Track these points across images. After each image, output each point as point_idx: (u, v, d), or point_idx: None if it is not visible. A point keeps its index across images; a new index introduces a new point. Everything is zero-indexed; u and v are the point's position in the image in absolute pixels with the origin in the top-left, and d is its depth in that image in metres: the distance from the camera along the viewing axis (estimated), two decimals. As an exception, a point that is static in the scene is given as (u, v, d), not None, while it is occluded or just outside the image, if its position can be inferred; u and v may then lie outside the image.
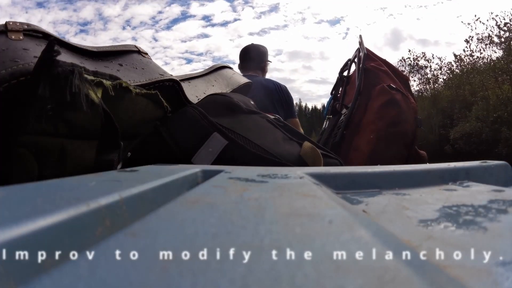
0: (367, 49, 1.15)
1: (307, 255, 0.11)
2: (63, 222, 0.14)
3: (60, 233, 0.14)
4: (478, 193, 0.27)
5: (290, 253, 0.11)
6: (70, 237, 0.15)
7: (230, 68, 1.05)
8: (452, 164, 0.34)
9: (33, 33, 0.50)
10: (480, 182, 0.31)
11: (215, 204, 0.18)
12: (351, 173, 0.31)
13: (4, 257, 0.11)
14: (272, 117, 0.70)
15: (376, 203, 0.24)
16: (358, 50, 1.19)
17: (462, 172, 0.33)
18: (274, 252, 0.11)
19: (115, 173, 0.30)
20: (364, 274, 0.09)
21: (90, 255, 0.11)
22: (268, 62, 1.80)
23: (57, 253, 0.13)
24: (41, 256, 0.13)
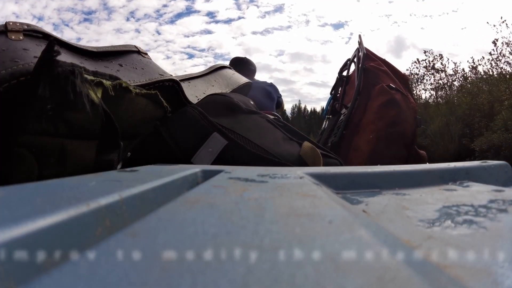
0: (367, 49, 1.15)
1: (307, 255, 0.11)
2: (63, 222, 0.14)
3: (60, 233, 0.14)
4: (478, 193, 0.27)
5: (290, 253, 0.11)
6: (70, 237, 0.15)
7: (230, 68, 1.05)
8: (452, 164, 0.34)
9: (33, 33, 0.50)
10: (480, 182, 0.31)
11: (215, 204, 0.18)
12: (351, 173, 0.31)
13: (4, 257, 0.11)
14: (272, 117, 0.70)
15: (376, 203, 0.24)
16: (358, 50, 1.19)
17: (462, 172, 0.33)
18: (274, 252, 0.11)
19: (115, 173, 0.30)
20: (364, 274, 0.09)
21: (90, 255, 0.11)
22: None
23: (57, 253, 0.13)
24: (41, 256, 0.13)
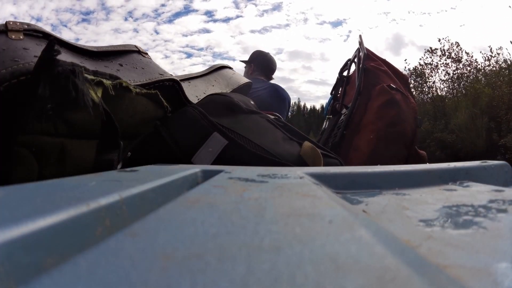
0: (367, 49, 1.15)
1: (307, 255, 0.11)
2: (63, 222, 0.14)
3: (60, 233, 0.14)
4: (478, 193, 0.27)
5: (290, 253, 0.11)
6: (70, 237, 0.15)
7: (230, 68, 1.05)
8: (452, 164, 0.34)
9: (33, 32, 0.50)
10: (480, 182, 0.31)
11: (215, 204, 0.18)
12: (351, 173, 0.31)
13: (4, 257, 0.11)
14: (272, 117, 0.70)
15: (376, 203, 0.24)
16: (358, 50, 1.19)
17: (462, 172, 0.33)
18: (274, 252, 0.11)
19: (115, 173, 0.30)
20: (364, 274, 0.09)
21: (90, 255, 0.11)
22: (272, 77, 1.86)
23: (57, 253, 0.13)
24: (41, 256, 0.13)
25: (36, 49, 0.47)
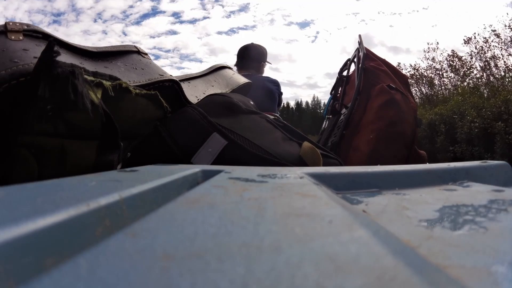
0: (367, 49, 1.15)
1: (307, 255, 0.11)
2: (63, 222, 0.14)
3: (60, 233, 0.14)
4: (478, 193, 0.27)
5: (290, 253, 0.11)
6: (70, 237, 0.15)
7: (230, 68, 1.05)
8: (452, 164, 0.34)
9: (32, 33, 0.50)
10: (480, 182, 0.31)
11: (215, 204, 0.18)
12: (351, 173, 0.31)
13: (4, 257, 0.11)
14: (271, 117, 0.70)
15: (376, 203, 0.24)
16: (358, 50, 1.19)
17: (462, 172, 0.33)
18: (274, 252, 0.11)
19: (115, 173, 0.30)
20: (364, 274, 0.09)
21: (90, 255, 0.11)
22: (267, 63, 1.79)
23: (57, 253, 0.13)
24: (41, 256, 0.13)
25: (35, 50, 0.47)
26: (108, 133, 0.48)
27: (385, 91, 1.02)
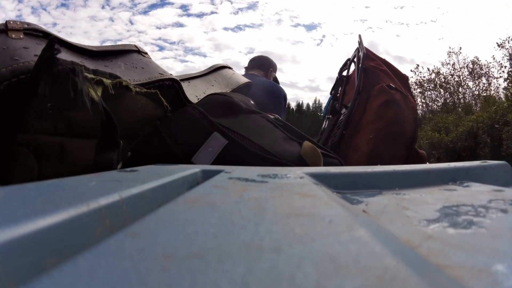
0: (367, 49, 1.15)
1: (307, 255, 0.11)
2: (63, 222, 0.14)
3: (60, 233, 0.14)
4: (478, 193, 0.27)
5: (290, 253, 0.11)
6: (70, 237, 0.15)
7: (230, 68, 1.05)
8: (452, 164, 0.34)
9: (33, 32, 0.50)
10: (480, 182, 0.31)
11: (215, 204, 0.18)
12: (351, 173, 0.31)
13: (4, 257, 0.11)
14: (272, 116, 0.70)
15: (376, 203, 0.24)
16: (358, 50, 1.19)
17: (462, 172, 0.33)
18: (274, 252, 0.11)
19: (115, 173, 0.30)
20: (364, 274, 0.09)
21: (90, 255, 0.11)
22: (273, 74, 1.82)
23: (57, 253, 0.13)
24: (41, 256, 0.13)
25: (36, 48, 0.47)
26: (107, 131, 0.48)
27: (385, 91, 1.02)
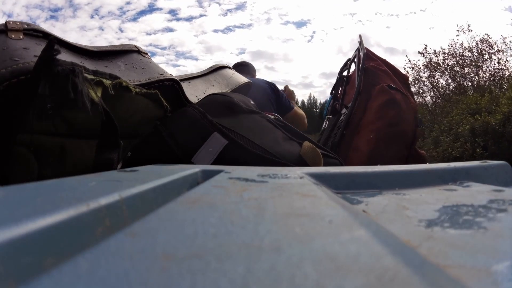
0: (367, 49, 1.15)
1: (307, 255, 0.11)
2: (63, 222, 0.14)
3: (60, 233, 0.14)
4: (478, 193, 0.27)
5: (290, 253, 0.11)
6: (70, 237, 0.15)
7: (230, 68, 1.05)
8: (452, 164, 0.34)
9: (33, 32, 0.50)
10: (480, 182, 0.31)
11: (215, 204, 0.18)
12: (351, 173, 0.31)
13: (4, 257, 0.11)
14: (272, 116, 0.70)
15: (376, 203, 0.24)
16: (358, 50, 1.19)
17: (462, 172, 0.33)
18: (274, 252, 0.11)
19: (115, 173, 0.30)
20: (364, 274, 0.09)
21: (90, 255, 0.11)
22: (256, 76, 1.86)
23: (57, 253, 0.13)
24: (41, 256, 0.13)
25: (36, 48, 0.47)
26: (108, 132, 0.48)
27: (385, 91, 1.02)
